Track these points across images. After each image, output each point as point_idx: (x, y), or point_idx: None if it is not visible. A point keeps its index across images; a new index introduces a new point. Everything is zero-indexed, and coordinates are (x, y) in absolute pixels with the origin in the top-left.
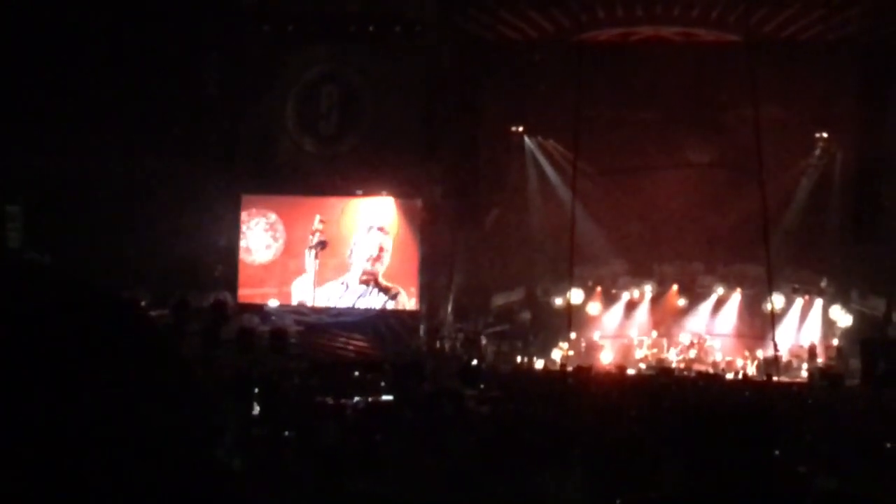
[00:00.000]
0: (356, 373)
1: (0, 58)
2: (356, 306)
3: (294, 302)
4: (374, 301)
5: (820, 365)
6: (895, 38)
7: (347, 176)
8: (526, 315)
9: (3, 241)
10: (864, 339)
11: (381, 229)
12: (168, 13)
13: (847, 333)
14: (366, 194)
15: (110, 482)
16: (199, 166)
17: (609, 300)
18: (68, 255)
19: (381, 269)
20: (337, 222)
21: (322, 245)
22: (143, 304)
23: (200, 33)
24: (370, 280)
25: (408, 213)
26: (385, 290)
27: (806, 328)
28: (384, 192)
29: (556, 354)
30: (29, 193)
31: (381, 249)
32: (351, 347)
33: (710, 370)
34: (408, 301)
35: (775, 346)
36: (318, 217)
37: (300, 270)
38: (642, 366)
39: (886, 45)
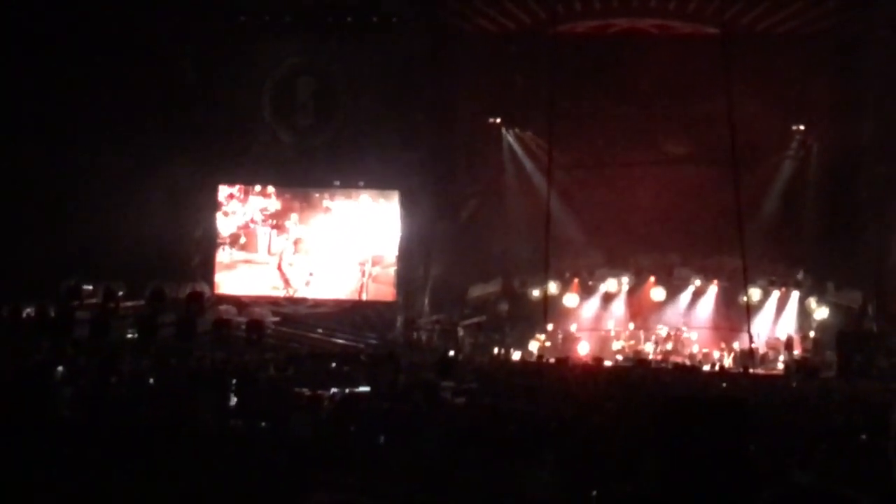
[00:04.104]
0: (332, 364)
1: None
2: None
3: None
4: None
5: (796, 357)
6: (871, 31)
7: (324, 167)
8: (503, 306)
9: None
10: (840, 331)
11: None
12: (144, 4)
13: (823, 326)
14: (342, 186)
15: None
16: (176, 157)
17: (586, 292)
18: (45, 246)
19: None
20: None
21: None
22: (119, 294)
23: (176, 24)
24: None
25: None
26: None
27: (782, 320)
28: (361, 184)
29: (533, 346)
30: (4, 184)
31: None
32: (327, 338)
33: (687, 362)
34: None
35: (751, 338)
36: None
37: None
38: (619, 357)
39: (862, 39)
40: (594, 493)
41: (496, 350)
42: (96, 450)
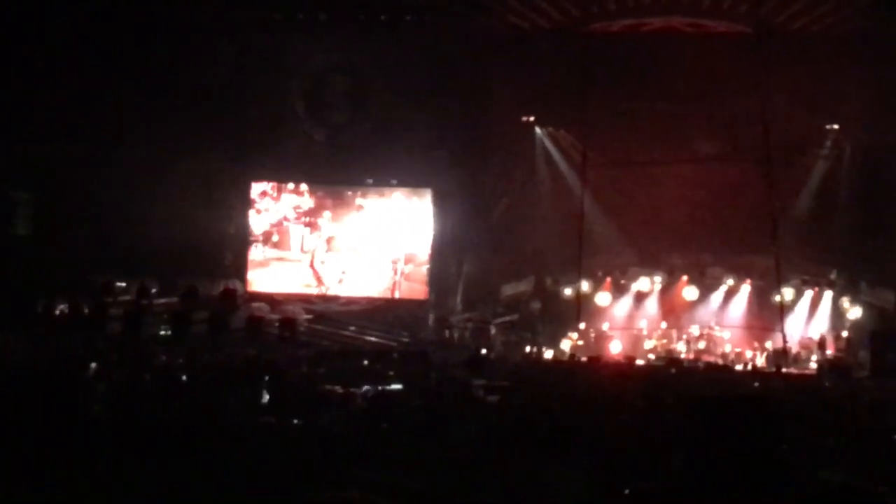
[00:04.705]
0: (365, 362)
1: (9, 46)
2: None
3: None
4: None
5: (829, 357)
6: None
7: (357, 165)
8: (535, 305)
9: (13, 227)
10: (873, 330)
11: None
12: (177, 1)
13: (856, 325)
14: (375, 184)
15: None
16: (209, 154)
17: (618, 291)
18: (77, 243)
19: None
20: None
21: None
22: (153, 291)
23: (211, 21)
24: None
25: None
26: None
27: (815, 320)
28: (393, 182)
29: (566, 345)
30: (39, 181)
31: None
32: (359, 336)
33: (720, 361)
34: None
35: (784, 337)
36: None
37: None
38: (651, 356)
39: None
40: (626, 491)
41: (528, 348)
42: (128, 445)
